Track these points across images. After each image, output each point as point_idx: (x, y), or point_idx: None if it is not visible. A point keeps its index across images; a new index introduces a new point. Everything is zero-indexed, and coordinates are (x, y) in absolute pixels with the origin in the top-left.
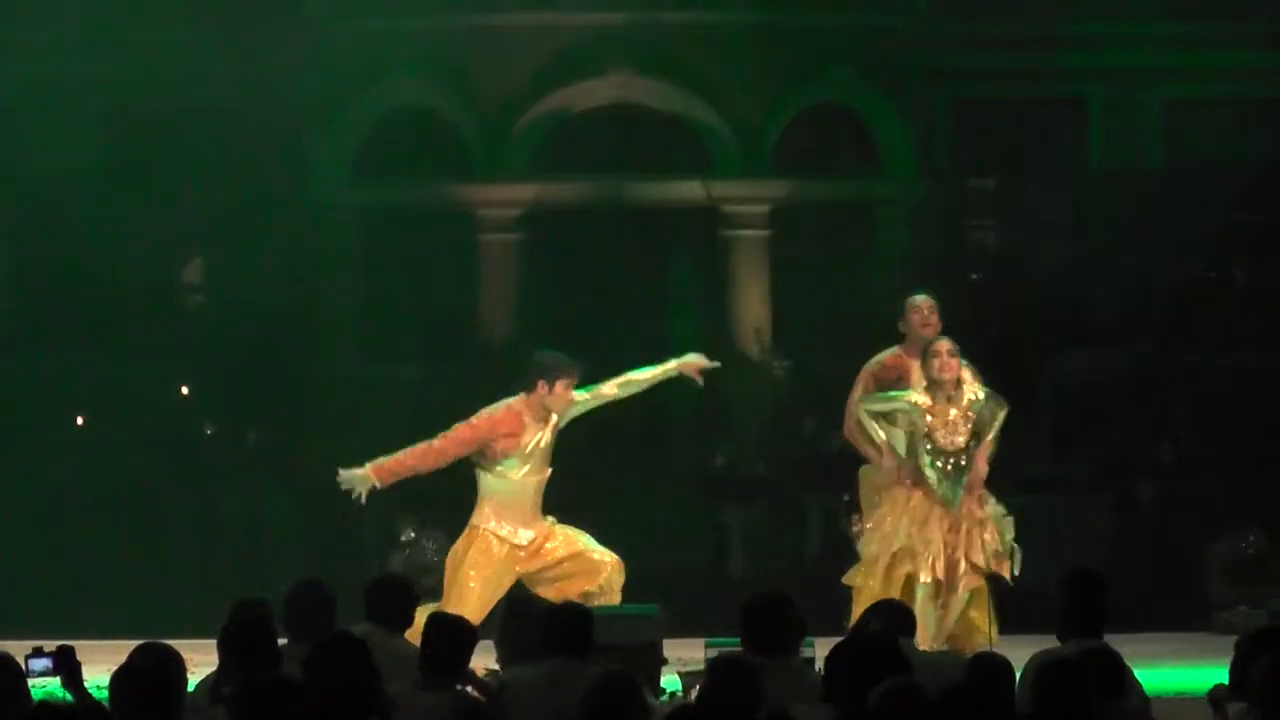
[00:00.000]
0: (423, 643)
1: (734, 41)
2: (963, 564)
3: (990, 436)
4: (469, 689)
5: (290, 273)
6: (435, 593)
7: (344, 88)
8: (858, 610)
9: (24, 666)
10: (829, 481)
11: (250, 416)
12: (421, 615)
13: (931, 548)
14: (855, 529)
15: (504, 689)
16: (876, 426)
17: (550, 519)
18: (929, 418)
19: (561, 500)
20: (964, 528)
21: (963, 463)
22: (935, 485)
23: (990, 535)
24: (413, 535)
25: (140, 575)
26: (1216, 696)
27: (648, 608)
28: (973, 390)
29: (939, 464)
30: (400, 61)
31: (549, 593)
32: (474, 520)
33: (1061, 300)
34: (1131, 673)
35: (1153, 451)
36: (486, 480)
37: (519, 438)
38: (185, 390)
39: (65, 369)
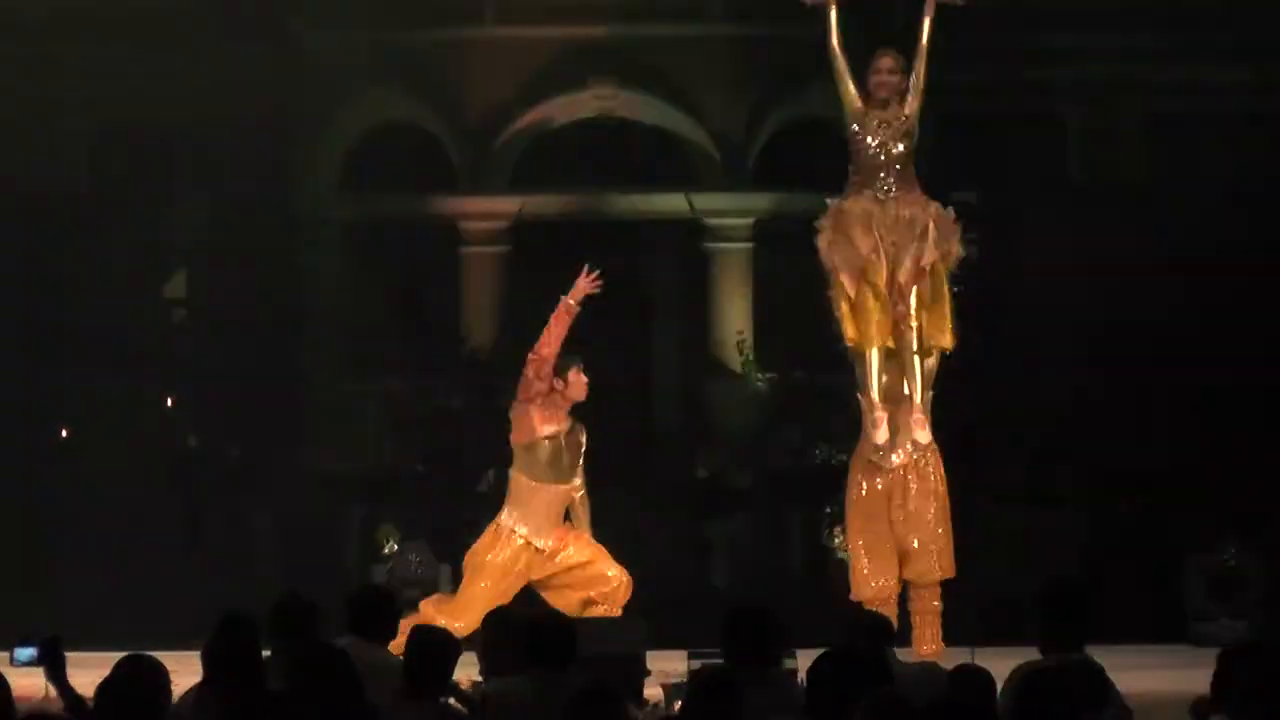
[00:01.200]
0: (405, 654)
1: (715, 55)
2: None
3: None
4: (451, 700)
5: (275, 285)
6: (417, 604)
7: (328, 102)
8: (854, 576)
9: (10, 655)
10: (811, 493)
11: (234, 429)
12: (405, 627)
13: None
14: (837, 541)
15: (486, 700)
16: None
17: (569, 524)
18: (864, 117)
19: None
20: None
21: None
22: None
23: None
24: (395, 548)
25: (124, 586)
26: (1198, 708)
27: (631, 619)
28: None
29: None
30: (384, 76)
31: (553, 597)
32: (500, 519)
33: (1042, 313)
34: (1113, 684)
35: (1133, 465)
36: (519, 481)
37: (537, 428)
38: (170, 402)
39: (49, 382)
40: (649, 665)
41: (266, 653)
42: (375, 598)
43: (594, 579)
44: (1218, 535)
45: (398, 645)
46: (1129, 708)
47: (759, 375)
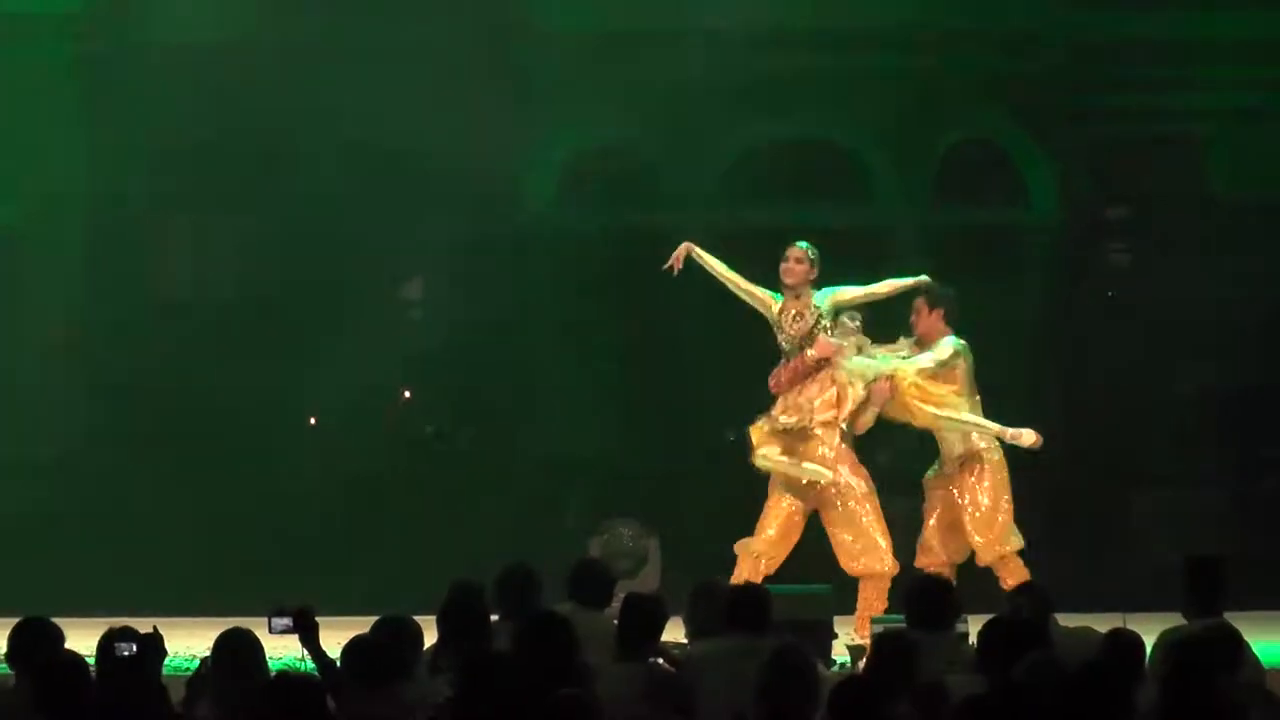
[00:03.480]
0: (619, 619)
1: (900, 85)
2: None
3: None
4: (660, 661)
5: (500, 289)
6: (631, 574)
7: (547, 128)
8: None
9: (267, 624)
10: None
11: (466, 417)
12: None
13: None
14: None
15: (690, 661)
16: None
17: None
18: (777, 314)
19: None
20: None
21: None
22: None
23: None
24: (611, 524)
25: (367, 558)
26: None
27: (821, 588)
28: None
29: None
30: (602, 102)
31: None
32: None
33: (1188, 313)
34: (1249, 647)
35: (1270, 449)
36: None
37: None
38: (407, 394)
39: (301, 376)
40: (837, 629)
41: (494, 617)
42: (592, 569)
43: (868, 548)
44: None
45: (613, 611)
46: (1262, 667)
47: None
